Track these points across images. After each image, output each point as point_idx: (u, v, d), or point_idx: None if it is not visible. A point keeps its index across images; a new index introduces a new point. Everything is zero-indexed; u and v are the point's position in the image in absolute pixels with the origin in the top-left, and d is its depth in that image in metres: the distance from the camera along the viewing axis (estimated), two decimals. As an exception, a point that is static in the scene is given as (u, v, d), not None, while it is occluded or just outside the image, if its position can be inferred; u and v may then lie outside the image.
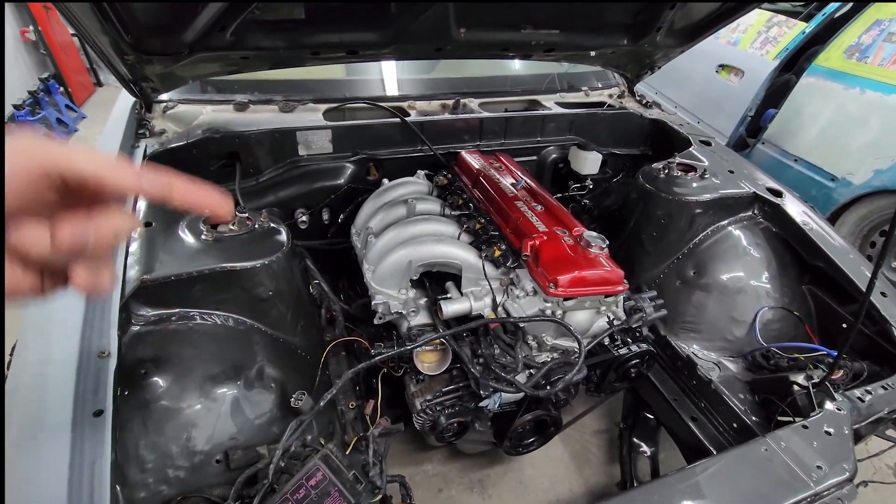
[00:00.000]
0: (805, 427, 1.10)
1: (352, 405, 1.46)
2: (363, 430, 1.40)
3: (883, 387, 1.25)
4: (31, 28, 4.32)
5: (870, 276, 1.13)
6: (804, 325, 1.61)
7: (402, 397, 1.45)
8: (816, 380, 1.28)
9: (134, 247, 1.14)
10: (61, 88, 4.62)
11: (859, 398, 1.20)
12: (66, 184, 0.42)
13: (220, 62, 1.49)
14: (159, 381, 1.04)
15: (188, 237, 1.21)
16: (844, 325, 1.54)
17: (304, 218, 1.72)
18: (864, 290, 1.14)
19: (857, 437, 1.23)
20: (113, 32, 1.17)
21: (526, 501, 1.89)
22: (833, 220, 3.04)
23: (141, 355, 1.04)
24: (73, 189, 0.43)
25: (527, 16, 1.60)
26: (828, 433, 1.09)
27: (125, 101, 1.67)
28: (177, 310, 1.14)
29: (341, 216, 1.81)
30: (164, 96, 1.70)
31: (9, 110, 3.84)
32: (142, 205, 1.28)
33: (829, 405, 1.17)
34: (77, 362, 0.91)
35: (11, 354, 1.05)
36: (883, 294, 1.45)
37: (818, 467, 1.01)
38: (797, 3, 3.62)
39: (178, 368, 1.07)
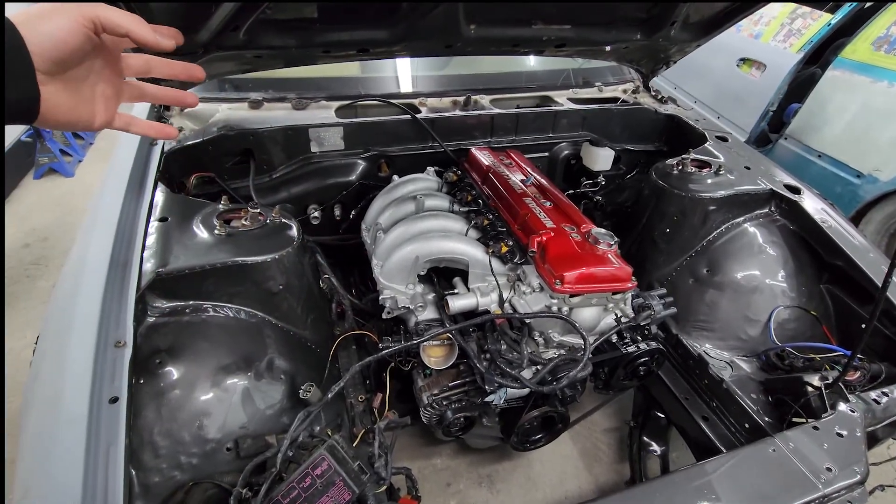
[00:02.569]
0: (816, 428, 1.08)
1: (361, 398, 1.48)
2: (371, 422, 1.42)
3: (901, 389, 1.22)
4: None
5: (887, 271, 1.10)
6: (821, 325, 1.58)
7: (413, 392, 1.47)
8: (830, 381, 1.25)
9: (150, 241, 1.18)
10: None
11: (875, 400, 1.18)
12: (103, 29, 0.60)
13: (235, 61, 1.52)
14: (173, 370, 1.07)
15: (202, 232, 1.24)
16: (863, 325, 1.50)
17: (316, 214, 1.75)
18: (881, 286, 1.11)
19: (874, 439, 1.21)
20: (130, 33, 1.21)
21: (534, 497, 1.90)
22: (859, 217, 2.94)
23: (156, 345, 1.08)
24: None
25: (537, 12, 1.59)
26: (839, 435, 1.06)
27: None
28: (190, 302, 1.17)
29: (353, 212, 1.83)
30: (181, 94, 1.75)
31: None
32: (159, 199, 1.32)
33: (842, 406, 1.15)
34: (94, 351, 0.95)
35: (37, 343, 1.10)
36: (904, 294, 1.41)
37: (828, 469, 0.99)
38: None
39: (192, 359, 1.10)
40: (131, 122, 0.76)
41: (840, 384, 1.18)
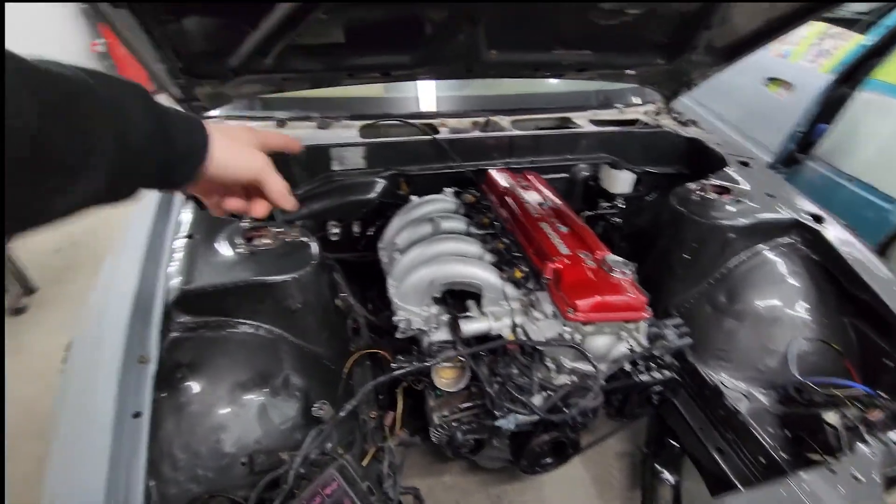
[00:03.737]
0: (832, 471, 1.05)
1: (373, 415, 1.51)
2: (382, 439, 1.44)
3: (925, 431, 1.18)
4: (99, 41, 4.67)
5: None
6: (843, 359, 1.53)
7: (424, 410, 1.49)
8: (851, 419, 1.22)
9: (177, 258, 1.23)
10: (124, 95, 4.97)
11: (895, 442, 1.14)
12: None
13: (263, 83, 1.58)
14: (194, 385, 1.12)
15: (226, 249, 1.29)
16: (888, 362, 1.46)
17: (335, 230, 1.79)
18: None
19: (893, 482, 1.17)
20: (167, 60, 1.27)
21: (544, 521, 1.89)
22: (889, 244, 2.85)
23: (178, 360, 1.13)
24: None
25: (558, 37, 1.61)
26: (855, 478, 1.04)
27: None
28: (212, 318, 1.22)
29: (371, 229, 1.87)
30: (212, 112, 1.82)
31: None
32: (186, 217, 1.38)
33: (860, 448, 1.12)
34: (121, 366, 0.99)
35: (66, 351, 1.16)
36: (931, 331, 1.37)
37: (842, 515, 0.97)
38: (858, 13, 3.43)
39: (212, 374, 1.15)
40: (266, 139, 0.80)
41: (861, 426, 1.15)
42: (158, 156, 0.58)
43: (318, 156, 1.76)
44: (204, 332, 1.20)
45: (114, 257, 1.30)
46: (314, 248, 1.37)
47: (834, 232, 1.63)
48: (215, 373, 1.16)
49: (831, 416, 1.28)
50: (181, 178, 0.63)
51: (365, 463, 1.31)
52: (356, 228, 1.86)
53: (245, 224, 1.38)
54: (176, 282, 1.17)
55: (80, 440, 0.90)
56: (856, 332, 1.57)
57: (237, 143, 0.68)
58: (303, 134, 1.81)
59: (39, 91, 0.44)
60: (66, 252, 3.36)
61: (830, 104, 3.20)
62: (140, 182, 0.58)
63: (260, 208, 0.75)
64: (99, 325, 1.11)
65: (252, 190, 0.74)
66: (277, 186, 0.72)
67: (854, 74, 3.16)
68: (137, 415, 0.93)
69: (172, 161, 0.60)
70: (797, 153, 3.41)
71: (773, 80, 3.49)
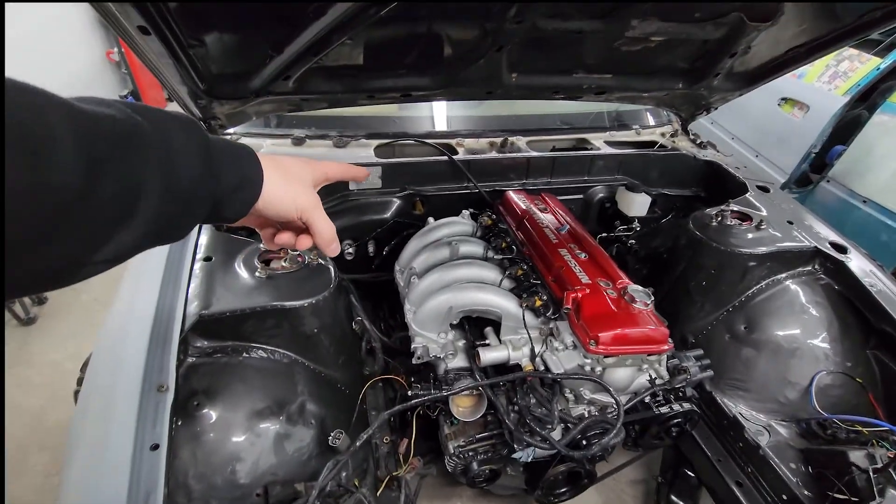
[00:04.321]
0: (864, 518, 1.02)
1: (386, 439, 1.48)
2: (395, 464, 1.42)
3: (956, 476, 1.15)
4: (115, 50, 4.72)
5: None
6: (868, 393, 1.50)
7: (437, 433, 1.46)
8: (879, 462, 1.19)
9: (195, 282, 1.22)
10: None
11: (927, 488, 1.11)
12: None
13: (283, 103, 1.58)
14: (210, 412, 1.10)
15: (244, 273, 1.28)
16: (914, 398, 1.43)
17: (350, 250, 1.78)
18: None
19: (925, 529, 1.14)
20: (190, 82, 1.27)
21: (555, 549, 1.84)
22: (905, 268, 2.81)
23: (195, 386, 1.11)
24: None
25: (579, 61, 1.61)
26: (889, 528, 1.01)
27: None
28: (229, 343, 1.21)
29: (386, 249, 1.86)
30: (230, 129, 1.82)
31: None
32: (203, 239, 1.37)
33: (891, 493, 1.09)
34: (139, 394, 0.98)
35: (82, 371, 1.15)
36: (960, 370, 1.34)
37: (876, 566, 0.94)
38: (879, 35, 3.42)
39: (228, 402, 1.13)
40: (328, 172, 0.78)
41: (891, 469, 1.12)
42: (210, 192, 0.55)
43: (334, 175, 1.75)
44: (220, 357, 1.18)
45: (132, 278, 1.29)
46: (332, 271, 1.36)
47: (857, 262, 1.61)
48: (231, 400, 1.14)
49: (858, 456, 1.25)
50: (232, 214, 0.61)
51: (379, 492, 1.29)
52: (371, 248, 1.85)
53: (263, 246, 1.37)
54: (194, 306, 1.15)
55: (98, 473, 0.88)
56: (880, 365, 1.54)
57: (289, 179, 0.65)
58: (319, 153, 1.80)
59: (87, 140, 0.40)
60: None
61: (846, 126, 3.19)
62: (192, 221, 0.56)
63: (304, 242, 0.73)
64: (117, 348, 1.10)
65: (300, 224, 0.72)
66: (324, 230, 0.70)
67: (870, 97, 3.14)
68: (155, 447, 0.92)
69: (224, 196, 0.58)
70: (811, 174, 3.39)
71: (786, 100, 3.47)
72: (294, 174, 0.67)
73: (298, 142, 1.83)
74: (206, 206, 0.56)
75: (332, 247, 0.72)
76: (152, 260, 1.28)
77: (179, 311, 1.14)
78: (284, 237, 0.72)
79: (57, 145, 0.37)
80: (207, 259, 1.30)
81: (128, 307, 1.19)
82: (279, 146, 1.81)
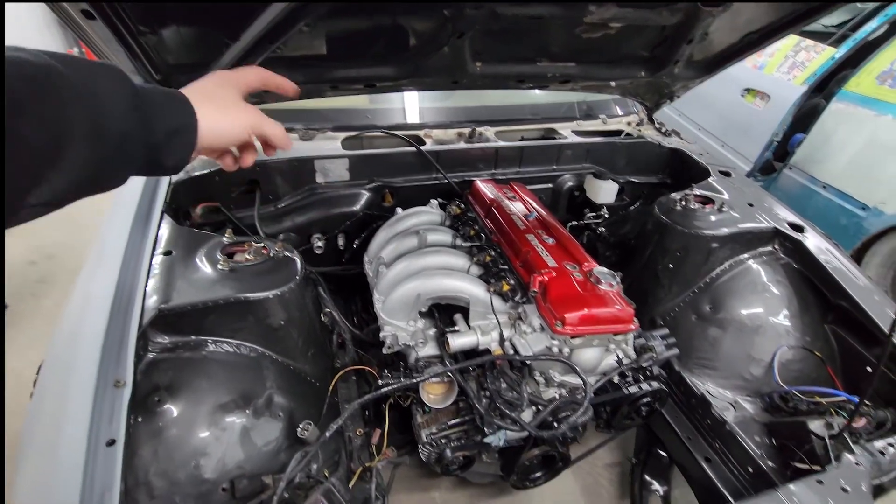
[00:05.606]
0: (820, 482, 1.06)
1: (359, 432, 1.47)
2: (369, 457, 1.41)
3: (907, 439, 1.20)
4: (75, 49, 4.57)
5: (894, 317, 1.09)
6: (826, 366, 1.56)
7: (411, 425, 1.46)
8: (835, 429, 1.23)
9: (154, 275, 1.19)
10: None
11: (881, 451, 1.15)
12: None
13: (244, 95, 1.55)
14: (172, 408, 1.07)
15: (205, 266, 1.25)
16: (869, 369, 1.48)
17: (319, 243, 1.76)
18: (888, 332, 1.10)
19: (881, 490, 1.18)
20: (144, 72, 1.24)
21: (534, 534, 1.86)
22: (863, 250, 2.93)
23: (155, 382, 1.08)
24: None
25: (542, 50, 1.62)
26: (844, 490, 1.04)
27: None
28: (192, 337, 1.18)
29: (356, 242, 1.84)
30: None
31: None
32: (164, 231, 1.33)
33: (847, 458, 1.13)
34: (94, 390, 0.95)
35: (38, 374, 1.11)
36: (910, 339, 1.39)
37: (832, 527, 0.97)
38: (830, 26, 3.55)
39: (191, 397, 1.10)
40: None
41: (845, 434, 1.16)
42: (142, 139, 0.56)
43: (301, 168, 1.73)
44: (182, 352, 1.15)
45: (88, 274, 1.25)
46: (297, 263, 1.34)
47: (814, 241, 1.66)
48: (195, 395, 1.11)
49: (816, 425, 1.29)
50: (174, 161, 0.61)
51: (352, 484, 1.27)
52: (341, 241, 1.83)
53: (226, 239, 1.34)
54: (153, 301, 1.12)
55: (50, 471, 0.85)
56: (837, 339, 1.60)
57: (223, 107, 0.66)
58: (285, 146, 1.78)
59: (9, 80, 0.42)
60: (41, 265, 3.24)
61: (805, 114, 3.30)
62: (126, 167, 0.56)
63: (248, 159, 0.77)
64: (71, 346, 1.06)
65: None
66: (276, 132, 0.73)
67: (827, 86, 3.25)
68: (111, 443, 0.89)
69: (159, 143, 0.58)
70: (774, 162, 3.50)
71: (749, 90, 3.57)
72: (224, 99, 0.68)
73: (263, 135, 1.79)
74: (139, 150, 0.56)
75: (289, 141, 0.79)
76: (108, 255, 1.25)
77: (138, 306, 1.11)
78: (248, 159, 0.78)
79: None
80: (167, 253, 1.27)
81: (82, 305, 1.15)
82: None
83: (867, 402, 1.32)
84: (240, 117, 0.68)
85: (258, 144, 0.81)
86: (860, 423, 1.28)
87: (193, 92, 0.63)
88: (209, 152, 0.71)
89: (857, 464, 1.11)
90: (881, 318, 1.43)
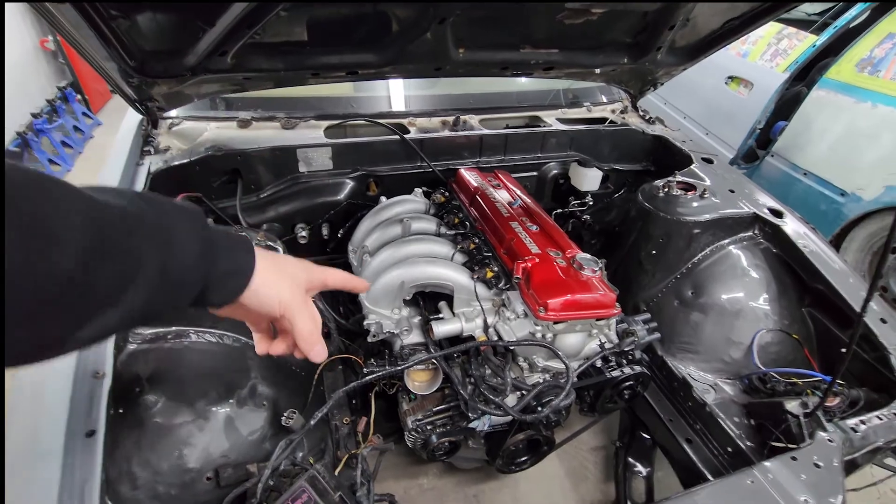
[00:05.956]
0: (794, 459, 1.09)
1: (346, 420, 1.48)
2: (356, 446, 1.42)
3: (878, 417, 1.23)
4: (49, 38, 4.44)
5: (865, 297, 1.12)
6: (803, 348, 1.59)
7: (398, 413, 1.47)
8: (811, 407, 1.26)
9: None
10: (78, 96, 4.74)
11: (853, 428, 1.19)
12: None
13: (224, 82, 1.53)
14: (153, 399, 1.06)
15: (186, 256, 1.24)
16: (843, 350, 1.52)
17: (303, 233, 1.75)
18: (859, 311, 1.12)
19: (853, 465, 1.22)
20: (117, 59, 1.21)
21: (521, 518, 1.89)
22: (842, 236, 2.99)
23: (136, 373, 1.07)
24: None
25: (525, 36, 1.61)
26: (817, 466, 1.07)
27: (133, 117, 1.71)
28: (173, 328, 1.17)
29: (340, 231, 1.83)
30: (171, 112, 1.74)
31: (27, 119, 3.95)
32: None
33: (820, 436, 1.16)
34: (72, 382, 0.94)
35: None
36: (883, 321, 1.43)
37: (805, 501, 1.00)
38: (811, 14, 3.58)
39: (173, 387, 1.10)
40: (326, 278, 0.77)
41: (819, 413, 1.20)
42: (199, 279, 0.55)
43: (283, 157, 1.71)
44: (163, 343, 1.14)
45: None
46: (280, 252, 1.33)
47: (792, 226, 1.69)
48: (177, 385, 1.11)
49: (792, 405, 1.32)
50: (218, 299, 0.59)
51: (338, 471, 1.28)
52: (325, 230, 1.82)
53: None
54: (132, 291, 1.11)
55: (28, 464, 0.84)
56: (814, 321, 1.64)
57: (281, 275, 0.63)
58: (267, 135, 1.76)
59: (94, 229, 0.41)
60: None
61: (787, 102, 3.33)
62: (175, 306, 0.55)
63: (278, 347, 0.71)
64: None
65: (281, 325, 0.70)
66: (304, 330, 0.65)
67: (808, 73, 3.29)
68: (91, 433, 0.88)
69: (211, 283, 0.57)
70: (757, 149, 3.54)
71: (733, 78, 3.60)
72: (287, 272, 0.65)
73: (244, 124, 1.77)
74: (194, 292, 0.55)
75: (315, 350, 0.67)
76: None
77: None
78: (280, 346, 0.71)
79: (66, 235, 0.39)
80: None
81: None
82: (224, 129, 1.76)
83: (841, 382, 1.35)
84: (287, 292, 0.64)
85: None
86: (834, 402, 1.31)
87: (264, 252, 0.63)
88: (244, 311, 0.64)
89: (829, 441, 1.14)
90: (855, 301, 1.46)
